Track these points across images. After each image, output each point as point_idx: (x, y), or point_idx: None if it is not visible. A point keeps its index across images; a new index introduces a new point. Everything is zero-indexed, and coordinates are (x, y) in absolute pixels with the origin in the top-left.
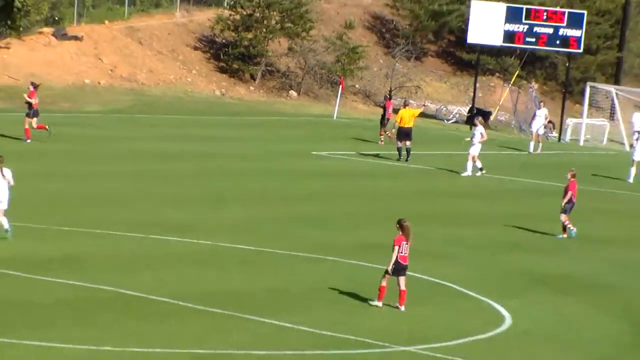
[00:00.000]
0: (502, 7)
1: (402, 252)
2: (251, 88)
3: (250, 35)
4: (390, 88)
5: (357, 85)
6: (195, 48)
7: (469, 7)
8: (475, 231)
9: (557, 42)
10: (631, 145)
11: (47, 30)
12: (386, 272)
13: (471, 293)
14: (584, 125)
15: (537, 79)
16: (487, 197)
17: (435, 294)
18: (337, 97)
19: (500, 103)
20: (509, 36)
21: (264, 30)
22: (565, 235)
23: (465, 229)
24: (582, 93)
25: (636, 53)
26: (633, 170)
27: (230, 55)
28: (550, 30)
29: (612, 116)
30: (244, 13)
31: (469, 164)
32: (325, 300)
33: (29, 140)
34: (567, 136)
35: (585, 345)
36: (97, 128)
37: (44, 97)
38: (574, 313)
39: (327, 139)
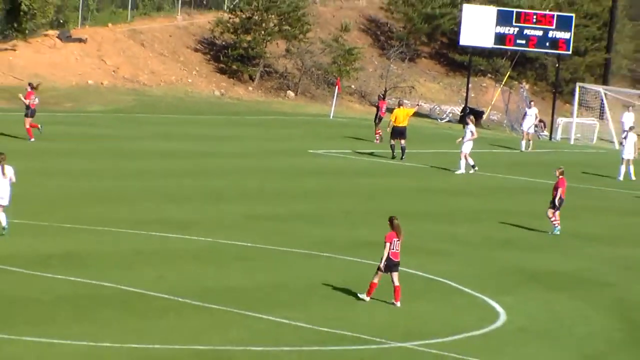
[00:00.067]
0: (493, 11)
1: (393, 249)
2: (250, 88)
3: (249, 38)
4: (385, 88)
5: (353, 86)
6: (196, 50)
7: (461, 10)
8: (469, 228)
9: (547, 44)
10: (621, 144)
11: (52, 32)
12: (378, 269)
13: (466, 289)
14: (574, 125)
15: (527, 80)
16: (481, 195)
17: (430, 290)
18: (333, 97)
19: (492, 103)
20: (500, 38)
21: (263, 32)
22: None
23: (459, 226)
24: (572, 93)
25: (623, 54)
26: (622, 168)
27: (229, 56)
28: (540, 33)
29: (601, 115)
30: (243, 16)
31: (462, 162)
32: (322, 297)
33: (32, 139)
34: (558, 135)
35: (577, 341)
36: (99, 127)
37: (48, 98)
38: (567, 309)
39: (323, 137)
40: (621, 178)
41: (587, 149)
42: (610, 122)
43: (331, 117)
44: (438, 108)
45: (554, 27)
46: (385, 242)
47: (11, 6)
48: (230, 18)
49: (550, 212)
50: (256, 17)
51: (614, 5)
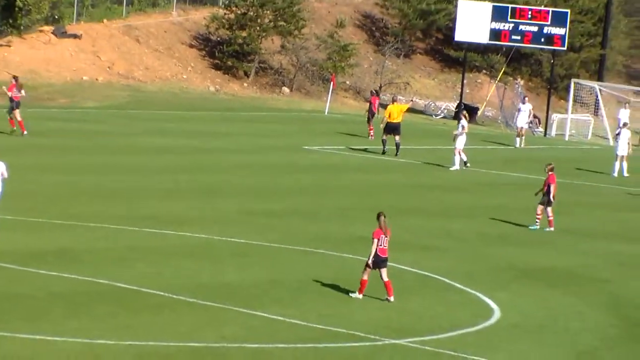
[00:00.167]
0: (488, 6)
1: (381, 245)
2: (245, 84)
3: (244, 34)
4: (380, 84)
5: (347, 82)
6: (191, 46)
7: (456, 6)
8: (463, 224)
9: (542, 39)
10: (615, 140)
11: (47, 28)
12: (367, 265)
13: (460, 286)
14: (569, 121)
15: (522, 76)
16: (475, 191)
17: (425, 286)
18: (328, 93)
19: (487, 99)
20: (495, 34)
21: (258, 28)
22: (552, 229)
23: (454, 222)
24: (567, 89)
25: (618, 50)
26: (617, 165)
27: (224, 52)
28: (535, 29)
29: (596, 111)
30: (238, 12)
31: (457, 158)
32: (316, 293)
33: (25, 133)
34: (553, 131)
35: (571, 337)
36: (94, 123)
37: (43, 94)
38: (561, 305)
39: (318, 134)
40: (615, 174)
41: (582, 145)
42: (605, 119)
43: (326, 113)
44: (433, 104)
45: (549, 23)
46: (372, 239)
47: (6, 2)
48: (225, 14)
49: (539, 208)
50: (251, 13)
51: (609, 1)
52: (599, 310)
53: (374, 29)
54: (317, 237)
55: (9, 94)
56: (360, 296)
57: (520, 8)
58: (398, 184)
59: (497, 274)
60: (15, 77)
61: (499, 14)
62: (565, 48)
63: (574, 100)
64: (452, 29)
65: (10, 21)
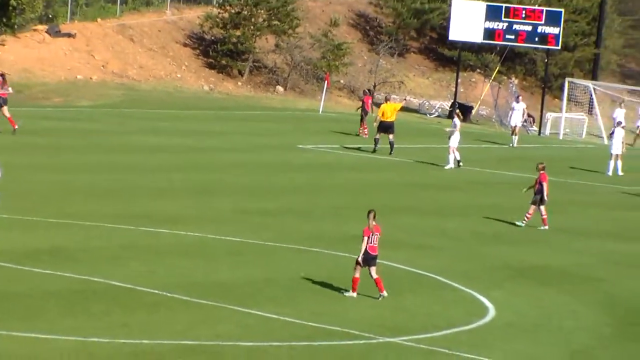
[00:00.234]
0: (482, 6)
1: (371, 243)
2: (239, 83)
3: (238, 33)
4: (375, 84)
5: (342, 81)
6: (185, 45)
7: (450, 5)
8: (457, 223)
9: (536, 39)
10: (610, 139)
11: (41, 27)
12: (357, 263)
13: (454, 284)
14: (563, 120)
15: (516, 75)
16: (469, 190)
17: (419, 285)
18: (322, 92)
19: (482, 98)
20: (489, 33)
21: (252, 27)
22: (546, 227)
23: (448, 221)
24: (561, 88)
25: (612, 50)
26: (611, 164)
27: (218, 51)
28: (529, 28)
29: (590, 110)
30: (232, 11)
31: (451, 157)
32: (311, 291)
33: (16, 127)
34: (547, 130)
35: (566, 336)
36: (88, 122)
37: (37, 93)
38: (555, 304)
39: (312, 133)
40: (610, 173)
41: (576, 144)
42: (599, 118)
43: (320, 112)
44: (427, 103)
45: (543, 22)
46: (363, 236)
47: (0, 1)
48: (219, 13)
49: (532, 208)
50: (245, 12)
51: (603, 1)
52: (593, 309)
53: (368, 28)
54: (312, 236)
55: None
56: (354, 294)
57: (514, 7)
58: (392, 182)
59: (492, 273)
60: (2, 74)
61: (493, 13)
62: (559, 47)
63: (568, 99)
64: (446, 28)
65: (4, 20)
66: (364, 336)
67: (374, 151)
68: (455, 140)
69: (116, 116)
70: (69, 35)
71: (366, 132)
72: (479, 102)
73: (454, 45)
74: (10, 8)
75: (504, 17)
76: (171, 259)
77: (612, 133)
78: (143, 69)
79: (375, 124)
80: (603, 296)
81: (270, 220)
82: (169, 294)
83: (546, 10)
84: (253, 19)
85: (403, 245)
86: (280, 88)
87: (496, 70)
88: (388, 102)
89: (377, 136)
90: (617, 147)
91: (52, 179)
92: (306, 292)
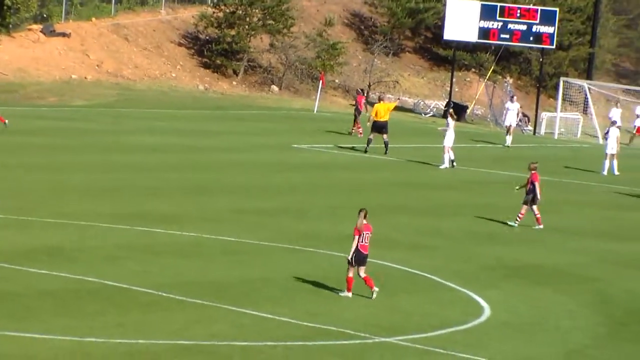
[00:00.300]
0: (477, 5)
1: (362, 242)
2: (234, 83)
3: (233, 32)
4: (369, 83)
5: (337, 80)
6: (180, 44)
7: (444, 4)
8: (453, 222)
9: (531, 38)
10: (605, 139)
11: (36, 27)
12: (349, 262)
13: (450, 284)
14: (558, 119)
15: (511, 74)
16: (464, 189)
17: (414, 285)
18: (317, 91)
19: (476, 97)
20: (484, 33)
21: (247, 27)
22: (541, 226)
23: (443, 220)
24: (556, 87)
25: (607, 49)
26: (606, 163)
27: (213, 51)
28: (524, 27)
29: (585, 110)
30: (227, 10)
31: (445, 156)
32: (306, 291)
33: (6, 121)
34: (542, 129)
35: (561, 335)
36: (83, 121)
37: (32, 92)
38: (550, 304)
39: (307, 132)
40: (605, 173)
41: (571, 144)
42: (594, 117)
43: (315, 111)
44: (422, 102)
45: (537, 21)
46: (354, 235)
47: None
48: (214, 12)
49: (524, 208)
50: (240, 12)
51: (597, 0)
52: (588, 309)
53: (362, 27)
54: (307, 235)
55: None
56: (350, 294)
57: (509, 7)
58: (387, 182)
59: (487, 272)
60: None
61: (487, 13)
62: (554, 46)
63: (563, 99)
64: (441, 28)
65: None
66: (359, 336)
67: (366, 151)
68: (449, 140)
69: (111, 116)
70: (63, 34)
71: (361, 131)
72: (474, 102)
73: (449, 44)
74: (5, 7)
75: (499, 17)
76: (166, 258)
77: (607, 132)
78: (138, 68)
79: (369, 124)
80: (598, 296)
81: (266, 220)
82: (164, 294)
83: (541, 10)
84: (248, 19)
85: (398, 244)
86: (275, 87)
87: (491, 69)
88: (382, 101)
89: (371, 136)
90: (612, 147)
91: (47, 179)
92: (302, 291)
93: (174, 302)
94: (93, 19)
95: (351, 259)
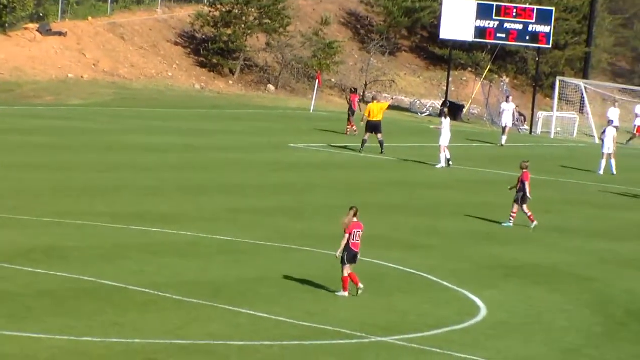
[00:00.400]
0: (473, 4)
1: (354, 240)
2: (230, 82)
3: (229, 31)
4: (366, 82)
5: (333, 80)
6: (176, 43)
7: (441, 4)
8: (449, 222)
9: (527, 37)
10: (601, 139)
11: (32, 26)
12: (342, 261)
13: (446, 283)
14: (555, 118)
15: (508, 74)
16: (461, 188)
17: (411, 284)
18: (313, 91)
19: (473, 97)
20: (480, 32)
21: (243, 26)
22: (535, 222)
23: (440, 220)
24: (552, 87)
25: (603, 48)
26: (603, 163)
27: (209, 50)
28: (520, 27)
29: (581, 109)
30: (223, 10)
31: (442, 156)
32: (302, 291)
33: None
34: (539, 129)
35: (557, 335)
36: (80, 121)
37: (29, 91)
38: (547, 303)
39: (304, 131)
40: (601, 172)
41: (568, 143)
42: (591, 116)
43: (311, 110)
44: (418, 102)
45: (534, 20)
46: (344, 233)
47: None
48: (210, 11)
49: (515, 207)
50: (236, 11)
51: None
52: (584, 309)
53: (359, 26)
54: (304, 235)
55: None
56: (346, 294)
57: (505, 6)
58: (383, 181)
59: (483, 272)
60: None
61: (484, 12)
62: (550, 46)
63: (560, 98)
64: (437, 27)
65: None
66: (355, 335)
67: (361, 151)
68: (445, 139)
69: (107, 115)
70: (60, 33)
71: (355, 130)
72: (470, 101)
73: (445, 44)
74: (1, 6)
75: (495, 16)
76: (163, 258)
77: (604, 132)
78: (134, 67)
79: (362, 124)
80: (594, 295)
81: (262, 219)
82: (160, 293)
83: (537, 9)
84: (244, 18)
85: (394, 244)
86: (271, 87)
87: (487, 69)
88: (375, 101)
89: (366, 137)
90: (608, 147)
91: (44, 178)
92: (298, 291)
93: (171, 301)
94: (89, 18)
95: (344, 257)
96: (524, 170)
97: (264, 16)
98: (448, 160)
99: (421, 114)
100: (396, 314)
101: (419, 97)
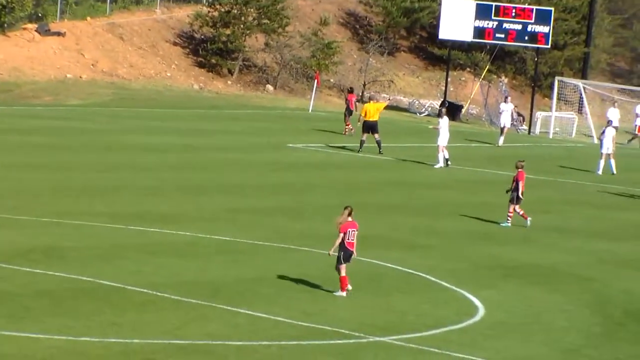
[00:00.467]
0: (472, 4)
1: (348, 239)
2: (229, 82)
3: (228, 31)
4: (364, 82)
5: (332, 80)
6: (175, 44)
7: (440, 4)
8: (448, 222)
9: (526, 37)
10: (600, 139)
11: (31, 26)
12: (339, 261)
13: (445, 283)
14: (553, 118)
15: (506, 74)
16: (459, 188)
17: (409, 284)
18: (312, 91)
19: (471, 97)
20: (479, 32)
21: (242, 26)
22: (530, 219)
23: (438, 220)
24: (551, 87)
25: (602, 48)
26: (602, 163)
27: (208, 50)
28: (519, 27)
29: (580, 109)
30: (222, 10)
31: (440, 156)
32: (301, 291)
33: None
34: (537, 129)
35: (556, 335)
36: (78, 121)
37: (27, 91)
38: (545, 303)
39: (302, 131)
40: (600, 172)
41: (566, 143)
42: (589, 116)
43: (310, 111)
44: (417, 102)
45: (533, 21)
46: (339, 232)
47: None
48: (209, 12)
49: (511, 206)
50: (235, 11)
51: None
52: (583, 309)
53: (357, 26)
54: (302, 235)
55: None
56: (344, 294)
57: (504, 6)
58: (382, 181)
59: (482, 272)
60: None
61: (483, 12)
62: (549, 46)
63: (558, 98)
64: (436, 27)
65: None
66: (354, 335)
67: (359, 152)
68: (444, 139)
69: (106, 115)
70: (58, 34)
71: (352, 129)
72: (469, 101)
73: (444, 44)
74: (0, 7)
75: (494, 16)
76: (162, 258)
77: (603, 132)
78: (133, 67)
79: (359, 124)
80: (593, 295)
81: (261, 219)
82: (159, 293)
83: (536, 9)
84: (243, 18)
85: (393, 244)
86: (270, 87)
87: (486, 69)
88: (372, 101)
89: (363, 137)
90: (607, 147)
91: (43, 178)
92: (296, 291)
93: (169, 301)
94: (88, 18)
95: (340, 256)
96: (519, 170)
97: (263, 16)
98: (447, 161)
99: (420, 114)
100: (395, 313)
101: (418, 97)
